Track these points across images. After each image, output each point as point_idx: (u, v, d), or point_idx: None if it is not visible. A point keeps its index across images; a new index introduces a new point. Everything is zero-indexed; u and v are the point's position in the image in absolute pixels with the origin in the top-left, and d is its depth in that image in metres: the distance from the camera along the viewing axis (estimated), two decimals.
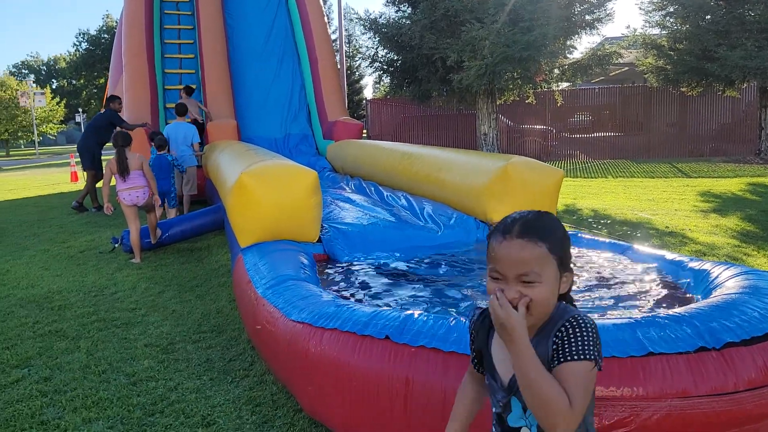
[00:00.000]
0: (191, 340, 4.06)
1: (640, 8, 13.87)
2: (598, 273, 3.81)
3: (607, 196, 10.04)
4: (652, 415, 2.24)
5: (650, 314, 2.56)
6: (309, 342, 2.77)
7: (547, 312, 1.33)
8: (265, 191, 4.52)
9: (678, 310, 2.59)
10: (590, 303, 3.27)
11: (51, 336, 4.18)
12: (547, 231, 1.33)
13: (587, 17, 11.90)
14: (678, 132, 17.58)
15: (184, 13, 12.68)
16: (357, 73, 37.88)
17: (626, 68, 21.26)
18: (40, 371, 3.59)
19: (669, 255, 3.84)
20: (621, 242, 4.37)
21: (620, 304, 3.24)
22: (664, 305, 3.15)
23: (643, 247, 4.18)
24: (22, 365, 3.70)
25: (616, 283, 3.58)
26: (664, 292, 3.37)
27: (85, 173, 10.51)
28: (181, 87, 10.79)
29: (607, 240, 4.45)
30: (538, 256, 1.29)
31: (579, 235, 4.65)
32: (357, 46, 35.81)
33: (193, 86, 9.67)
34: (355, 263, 4.49)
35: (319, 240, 4.91)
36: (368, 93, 42.20)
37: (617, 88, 18.52)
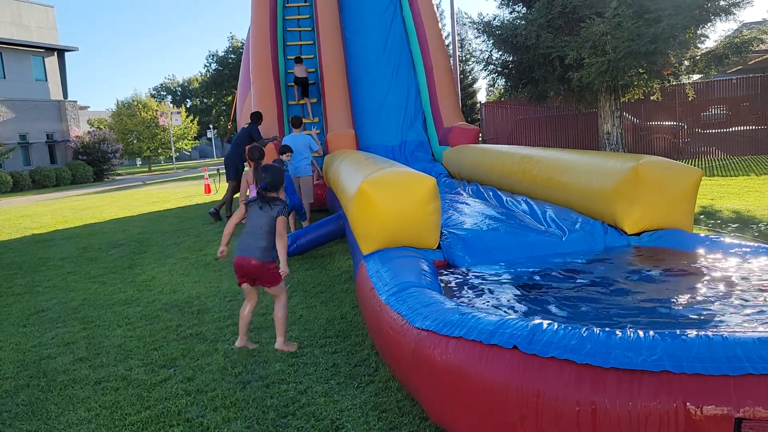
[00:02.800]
0: (318, 344, 4.20)
1: None
2: (744, 280, 3.47)
3: (751, 195, 9.19)
4: None
5: None
6: (434, 350, 2.77)
7: None
8: (385, 199, 4.58)
9: None
10: (734, 314, 2.98)
11: (192, 339, 4.50)
12: None
13: (722, 3, 10.96)
14: None
15: (305, 29, 13.28)
16: (470, 76, 37.59)
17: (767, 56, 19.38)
18: (184, 371, 3.88)
19: None
20: None
21: None
22: None
23: None
24: (168, 365, 4.01)
25: (766, 292, 3.25)
26: None
27: (227, 183, 11.09)
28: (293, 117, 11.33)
29: (754, 243, 4.05)
30: None
31: (721, 239, 4.28)
32: (470, 50, 35.55)
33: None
34: (475, 270, 4.43)
35: (439, 246, 4.90)
36: (482, 96, 41.73)
37: (758, 77, 16.86)
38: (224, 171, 11.19)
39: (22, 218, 13.81)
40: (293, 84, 12.01)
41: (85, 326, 5.03)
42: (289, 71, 12.23)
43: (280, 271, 4.01)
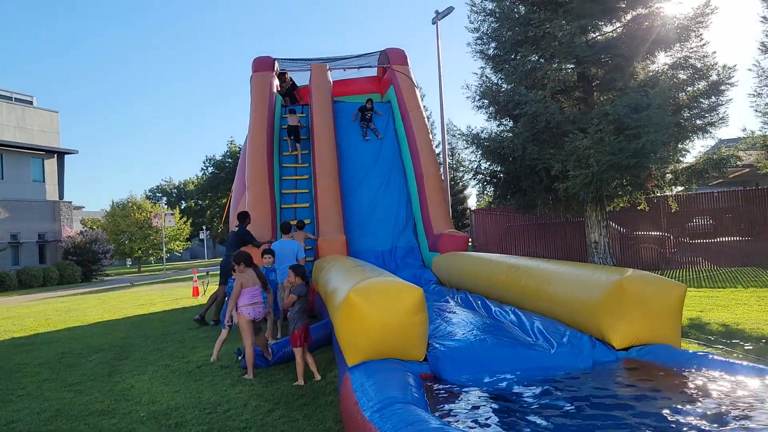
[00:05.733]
0: None
1: (756, 110, 13.28)
2: (734, 402, 3.41)
3: (739, 308, 9.19)
4: None
5: None
6: None
7: None
8: (372, 309, 4.56)
9: None
10: None
11: None
12: None
13: (698, 122, 11.55)
14: None
15: (302, 138, 13.77)
16: (460, 183, 38.61)
17: (747, 170, 20.13)
18: None
19: None
20: (760, 365, 3.92)
21: None
22: None
23: None
24: None
25: (757, 416, 3.18)
26: None
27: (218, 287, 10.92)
28: (296, 218, 11.80)
29: (744, 362, 4.01)
30: None
31: (709, 356, 4.24)
32: (460, 159, 36.74)
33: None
34: (462, 383, 4.34)
35: (426, 359, 4.82)
36: (472, 202, 42.63)
37: (739, 191, 17.42)
38: (214, 274, 11.16)
39: (3, 320, 13.52)
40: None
41: None
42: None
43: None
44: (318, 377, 6.13)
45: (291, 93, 15.66)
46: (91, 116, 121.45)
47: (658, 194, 14.81)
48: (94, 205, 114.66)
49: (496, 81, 14.00)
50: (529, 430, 3.28)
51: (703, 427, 3.07)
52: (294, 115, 13.55)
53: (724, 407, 3.34)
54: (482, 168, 14.32)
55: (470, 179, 16.11)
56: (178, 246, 44.55)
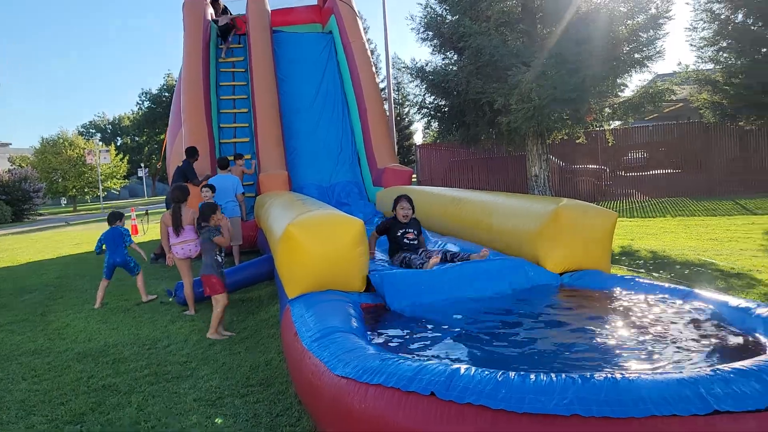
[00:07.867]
0: (239, 394, 4.04)
1: (692, 44, 13.57)
2: (656, 321, 3.60)
3: (667, 236, 9.65)
4: None
5: (714, 368, 2.38)
6: (353, 398, 2.70)
7: None
8: (311, 241, 4.53)
9: (745, 362, 2.40)
10: (645, 355, 3.07)
11: (104, 391, 4.24)
12: None
13: (636, 56, 11.70)
14: (740, 167, 16.86)
15: (239, 71, 13.24)
16: (406, 119, 38.42)
17: (680, 104, 20.75)
18: (92, 427, 3.63)
19: (734, 300, 3.60)
20: (681, 287, 4.14)
21: (679, 357, 3.02)
22: (730, 357, 2.93)
23: (705, 292, 3.95)
24: (75, 421, 3.75)
25: (675, 333, 3.37)
26: (730, 342, 3.15)
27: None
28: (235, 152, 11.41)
29: (666, 285, 4.22)
30: None
31: (636, 279, 4.44)
32: (405, 94, 36.40)
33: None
34: (402, 311, 4.41)
35: (367, 289, 4.86)
36: (418, 138, 42.60)
37: (672, 125, 18.00)
38: (154, 212, 10.83)
39: None
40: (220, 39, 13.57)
41: None
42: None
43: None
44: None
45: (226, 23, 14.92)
46: (9, 45, 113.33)
47: (597, 128, 15.14)
48: (22, 141, 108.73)
49: (440, 12, 13.73)
50: (465, 352, 3.37)
51: (626, 344, 3.23)
52: (225, 16, 13.49)
53: (647, 327, 3.51)
54: (427, 102, 14.24)
55: (415, 113, 16.03)
56: (115, 184, 43.02)
